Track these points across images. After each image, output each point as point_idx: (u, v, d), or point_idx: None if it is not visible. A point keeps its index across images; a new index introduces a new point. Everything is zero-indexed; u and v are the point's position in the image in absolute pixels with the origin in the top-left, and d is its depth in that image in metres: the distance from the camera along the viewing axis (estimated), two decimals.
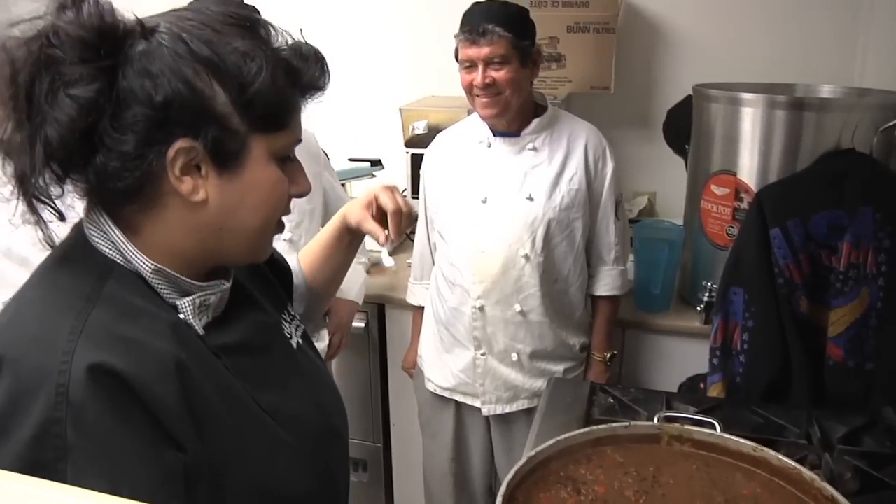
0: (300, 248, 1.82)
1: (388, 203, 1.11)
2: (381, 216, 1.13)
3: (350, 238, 1.20)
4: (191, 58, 0.72)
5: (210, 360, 0.78)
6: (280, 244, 1.80)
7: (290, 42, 0.80)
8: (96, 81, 0.69)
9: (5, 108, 0.70)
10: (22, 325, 0.72)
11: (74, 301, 0.72)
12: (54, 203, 0.73)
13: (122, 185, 0.73)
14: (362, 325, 2.31)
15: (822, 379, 1.61)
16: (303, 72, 0.79)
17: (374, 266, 1.25)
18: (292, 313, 1.01)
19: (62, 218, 0.75)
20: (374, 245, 1.28)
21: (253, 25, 0.78)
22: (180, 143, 0.72)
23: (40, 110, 0.68)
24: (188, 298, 0.79)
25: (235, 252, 0.83)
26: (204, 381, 0.75)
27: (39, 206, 0.72)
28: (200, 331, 0.79)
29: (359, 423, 2.47)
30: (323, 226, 1.92)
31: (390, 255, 1.18)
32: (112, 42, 0.70)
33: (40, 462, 0.64)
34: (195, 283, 0.80)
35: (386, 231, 1.11)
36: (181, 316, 0.78)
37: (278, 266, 1.09)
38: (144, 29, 0.73)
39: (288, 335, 0.96)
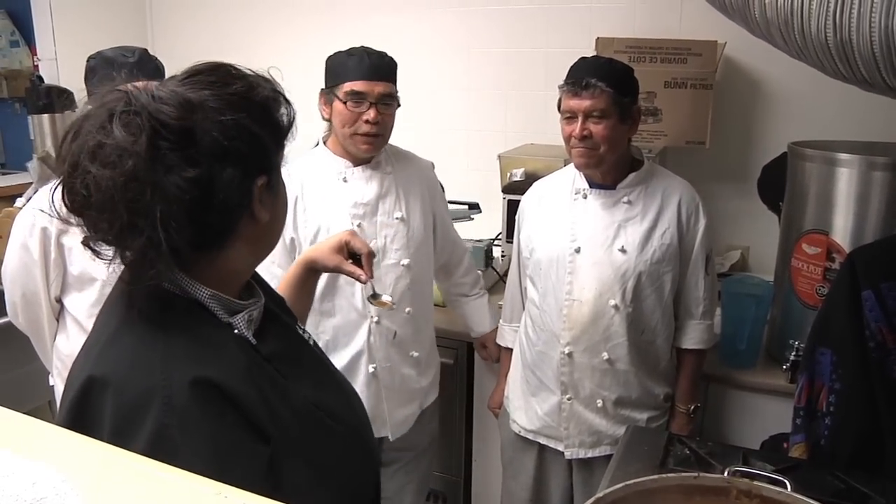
0: (414, 272, 1.95)
1: (362, 248, 1.27)
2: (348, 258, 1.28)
3: (313, 280, 1.34)
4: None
5: (265, 366, 0.92)
6: (398, 269, 1.94)
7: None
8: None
9: None
10: (117, 356, 0.86)
11: (152, 330, 0.85)
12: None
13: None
14: (451, 361, 2.40)
15: None
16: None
17: (377, 301, 1.42)
18: (302, 327, 1.13)
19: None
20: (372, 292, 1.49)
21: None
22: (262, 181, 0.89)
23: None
24: (239, 315, 0.92)
25: (268, 249, 0.98)
26: (264, 383, 0.88)
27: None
28: (253, 341, 0.92)
29: (441, 457, 2.52)
30: (434, 252, 2.06)
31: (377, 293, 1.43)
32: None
33: None
34: (240, 301, 0.93)
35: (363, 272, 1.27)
36: (235, 331, 0.91)
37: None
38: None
39: (311, 343, 1.09)
